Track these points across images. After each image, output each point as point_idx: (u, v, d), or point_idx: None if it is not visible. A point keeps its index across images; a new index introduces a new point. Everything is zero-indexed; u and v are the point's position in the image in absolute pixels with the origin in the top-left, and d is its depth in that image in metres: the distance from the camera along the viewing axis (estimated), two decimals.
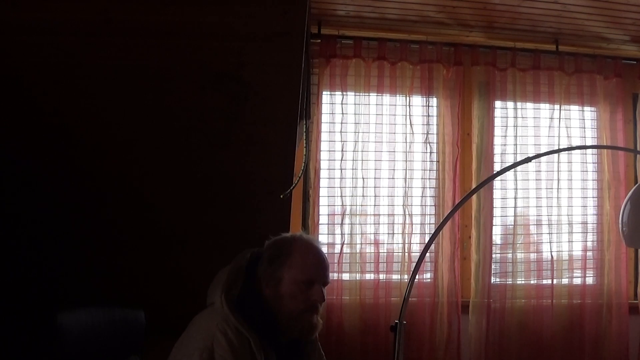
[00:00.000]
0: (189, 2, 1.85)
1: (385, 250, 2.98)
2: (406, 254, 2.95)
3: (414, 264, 2.76)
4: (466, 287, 3.03)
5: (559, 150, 3.07)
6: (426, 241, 2.63)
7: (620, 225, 1.87)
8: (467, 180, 3.08)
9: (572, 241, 3.09)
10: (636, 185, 1.88)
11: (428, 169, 3.03)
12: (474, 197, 3.02)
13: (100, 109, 2.04)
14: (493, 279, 3.02)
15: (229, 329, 1.51)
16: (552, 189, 3.09)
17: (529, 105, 3.14)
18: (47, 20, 1.82)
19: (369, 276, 2.93)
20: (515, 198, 3.06)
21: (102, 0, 1.81)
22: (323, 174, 2.98)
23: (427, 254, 2.77)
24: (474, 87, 3.13)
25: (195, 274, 1.92)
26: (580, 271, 3.10)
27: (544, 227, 3.10)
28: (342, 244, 2.94)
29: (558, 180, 3.09)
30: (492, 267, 3.02)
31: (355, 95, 3.01)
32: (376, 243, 2.98)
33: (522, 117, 3.12)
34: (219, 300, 1.57)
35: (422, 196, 3.01)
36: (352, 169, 2.97)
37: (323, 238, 2.95)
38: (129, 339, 1.91)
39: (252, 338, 1.53)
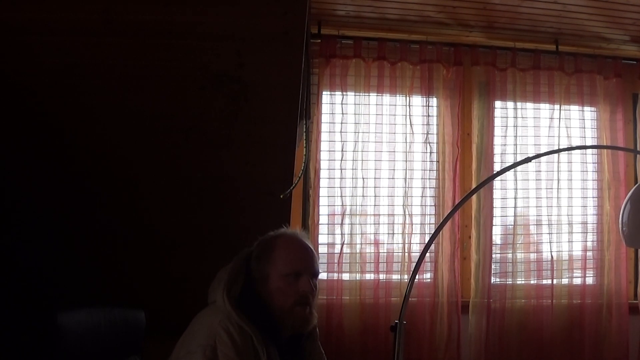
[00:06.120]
0: (189, 2, 1.84)
1: (385, 250, 2.98)
2: (406, 254, 2.96)
3: (414, 264, 2.76)
4: (466, 287, 3.03)
5: (559, 150, 3.07)
6: (426, 241, 2.63)
7: (620, 225, 1.87)
8: (467, 180, 3.08)
9: (572, 241, 3.09)
10: (636, 185, 1.88)
11: (428, 169, 3.03)
12: (474, 197, 3.02)
13: (100, 109, 2.04)
14: (493, 279, 3.02)
15: (231, 326, 1.52)
16: (552, 189, 3.09)
17: (529, 105, 3.14)
18: (47, 20, 1.82)
19: (369, 276, 2.94)
20: (515, 198, 3.06)
21: (102, 0, 1.81)
22: (323, 174, 2.98)
23: (427, 254, 2.77)
24: (474, 87, 3.13)
25: (195, 274, 1.92)
26: (580, 271, 3.10)
27: (544, 227, 3.10)
28: (342, 244, 2.94)
29: (558, 180, 3.09)
30: (492, 267, 3.02)
31: (355, 95, 3.01)
32: (376, 243, 2.98)
33: (522, 117, 3.13)
34: (221, 298, 1.58)
35: (422, 196, 3.02)
36: (352, 169, 2.97)
37: (323, 238, 2.96)
38: (129, 339, 1.91)
39: (254, 334, 1.54)
